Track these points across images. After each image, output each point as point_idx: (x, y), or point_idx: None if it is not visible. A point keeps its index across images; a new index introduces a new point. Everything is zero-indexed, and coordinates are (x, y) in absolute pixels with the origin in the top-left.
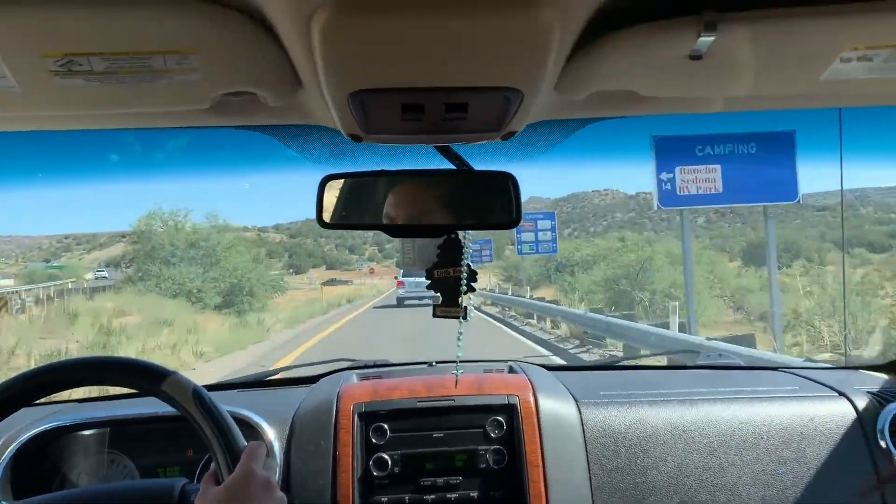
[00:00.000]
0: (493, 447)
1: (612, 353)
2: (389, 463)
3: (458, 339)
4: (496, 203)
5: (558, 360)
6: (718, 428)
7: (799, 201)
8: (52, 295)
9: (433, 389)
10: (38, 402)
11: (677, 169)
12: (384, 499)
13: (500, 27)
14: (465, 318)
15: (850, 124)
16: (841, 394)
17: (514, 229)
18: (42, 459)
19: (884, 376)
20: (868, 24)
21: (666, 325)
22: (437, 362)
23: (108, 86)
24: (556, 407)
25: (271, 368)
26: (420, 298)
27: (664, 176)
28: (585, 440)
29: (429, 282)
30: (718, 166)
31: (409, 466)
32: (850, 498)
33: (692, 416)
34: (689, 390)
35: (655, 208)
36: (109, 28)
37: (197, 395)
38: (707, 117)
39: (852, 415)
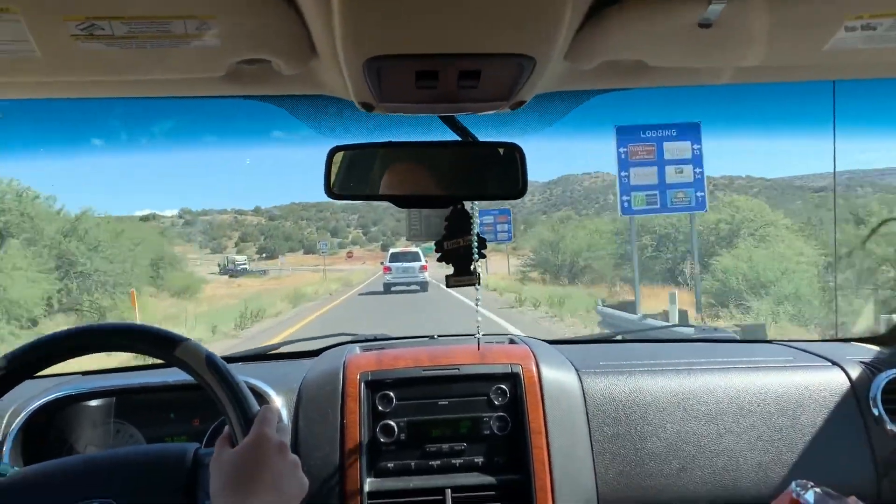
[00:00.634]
0: (496, 414)
1: None
2: (395, 430)
3: (476, 304)
4: (503, 174)
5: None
6: (716, 396)
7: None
8: None
9: (437, 359)
10: (43, 373)
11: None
12: (390, 464)
13: None
14: (478, 283)
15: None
16: (834, 363)
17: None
18: (49, 429)
19: (876, 347)
20: None
21: None
22: (438, 336)
23: (127, 51)
24: (557, 375)
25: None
26: (408, 284)
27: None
28: (587, 408)
29: (417, 266)
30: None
31: (415, 433)
32: (845, 463)
33: (690, 384)
34: (687, 361)
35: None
36: None
37: (210, 360)
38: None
39: (846, 383)
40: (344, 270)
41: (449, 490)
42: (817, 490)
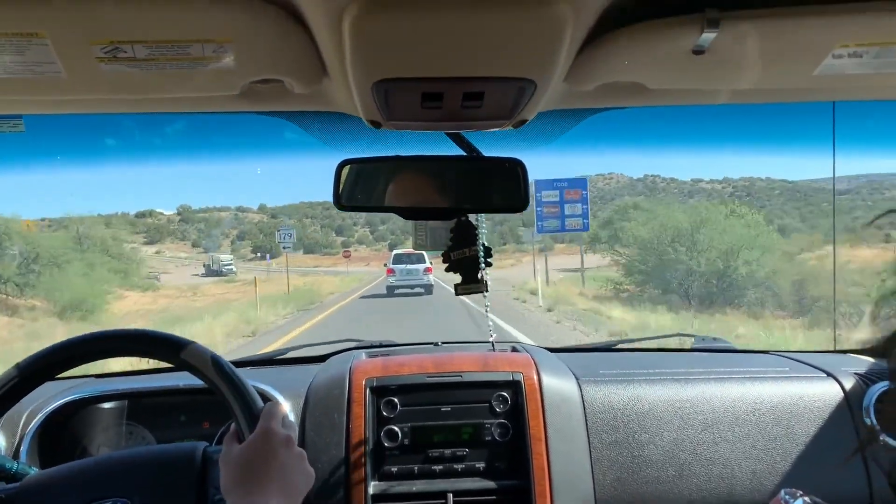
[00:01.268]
0: (498, 421)
1: None
2: (400, 435)
3: (486, 311)
4: (505, 187)
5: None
6: (712, 405)
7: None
8: None
9: (441, 366)
10: (57, 377)
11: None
12: (394, 468)
13: (517, 21)
14: (486, 291)
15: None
16: (829, 374)
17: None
18: (63, 431)
19: (870, 359)
20: (859, 23)
21: None
22: (442, 343)
23: (147, 72)
24: (558, 384)
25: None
26: (412, 287)
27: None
28: (586, 415)
29: (422, 268)
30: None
31: (419, 438)
32: (837, 473)
33: (687, 393)
34: (684, 370)
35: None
36: (154, 17)
37: (215, 361)
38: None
39: (839, 394)
40: (340, 273)
41: (451, 494)
42: (806, 498)
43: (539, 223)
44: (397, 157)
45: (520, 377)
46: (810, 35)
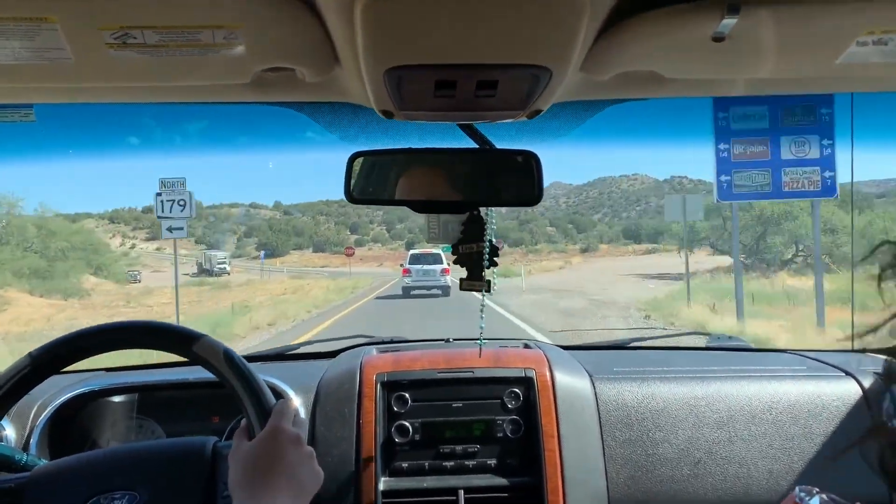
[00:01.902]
0: (510, 417)
1: None
2: (410, 430)
3: (481, 310)
4: (519, 181)
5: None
6: (728, 403)
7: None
8: None
9: (452, 361)
10: (67, 370)
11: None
12: (405, 464)
13: (534, 6)
14: (488, 290)
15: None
16: (848, 374)
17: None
18: (73, 424)
19: (891, 358)
20: (886, 8)
21: None
22: (454, 339)
23: (157, 59)
24: (571, 381)
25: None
26: (428, 288)
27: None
28: (599, 413)
29: (439, 269)
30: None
31: (429, 434)
32: (855, 473)
33: (702, 391)
34: (699, 368)
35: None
36: (164, 2)
37: (228, 356)
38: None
39: (858, 393)
40: (342, 275)
41: (462, 491)
42: (822, 496)
43: (724, 178)
44: (409, 150)
45: (532, 373)
46: (834, 21)
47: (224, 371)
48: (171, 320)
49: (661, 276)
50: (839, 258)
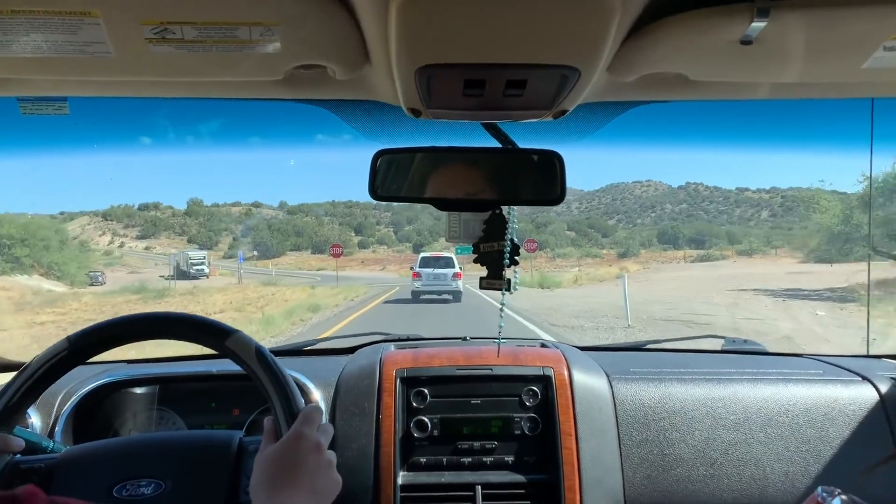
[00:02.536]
0: (527, 415)
1: None
2: (429, 426)
3: (501, 310)
4: (542, 180)
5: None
6: (744, 405)
7: None
8: None
9: (471, 358)
10: (91, 361)
11: None
12: (423, 459)
13: (565, 7)
14: (508, 289)
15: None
16: (865, 378)
17: None
18: (96, 414)
19: None
20: None
21: None
22: (471, 338)
23: (194, 54)
24: (588, 380)
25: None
26: (439, 293)
27: None
28: (616, 412)
29: (450, 273)
30: None
31: (448, 430)
32: (871, 477)
33: (719, 393)
34: (715, 370)
35: None
36: None
37: (259, 353)
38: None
39: (875, 398)
40: (330, 279)
41: (479, 487)
42: (843, 497)
43: None
44: (433, 148)
45: (550, 372)
46: (863, 24)
47: (255, 368)
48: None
49: (791, 293)
50: None
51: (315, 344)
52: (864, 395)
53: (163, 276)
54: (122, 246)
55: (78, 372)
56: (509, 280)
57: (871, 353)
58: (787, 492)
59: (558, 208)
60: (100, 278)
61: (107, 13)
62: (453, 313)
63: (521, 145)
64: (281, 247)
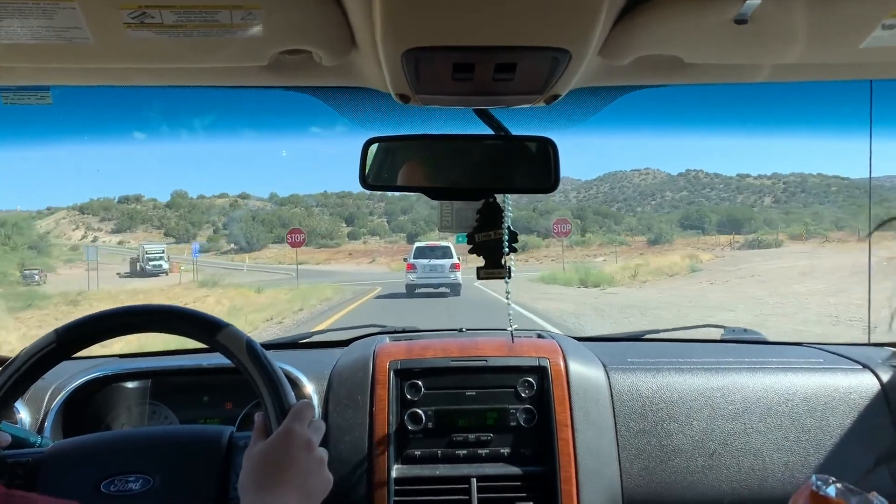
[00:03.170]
0: (523, 406)
1: None
2: (423, 418)
3: (507, 297)
4: (535, 168)
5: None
6: (743, 395)
7: None
8: None
9: (466, 350)
10: (80, 355)
11: None
12: (417, 452)
13: None
14: (509, 277)
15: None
16: (865, 366)
17: None
18: (86, 409)
19: None
20: None
21: None
22: (466, 329)
23: (174, 39)
24: (585, 371)
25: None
26: (436, 286)
27: None
28: (613, 403)
29: (448, 264)
30: None
31: (442, 422)
32: (872, 466)
33: (717, 383)
34: (714, 359)
35: None
36: None
37: (250, 347)
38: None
39: (876, 387)
40: (311, 275)
41: (474, 479)
42: (838, 485)
43: None
44: (424, 136)
45: (546, 363)
46: (860, 2)
47: (246, 362)
48: None
49: None
50: None
51: (310, 337)
52: (864, 384)
53: (119, 274)
54: (94, 241)
55: (68, 366)
56: (509, 268)
57: (873, 341)
58: (786, 482)
59: (557, 198)
60: (36, 277)
61: None
62: (453, 309)
63: (514, 132)
64: (263, 239)
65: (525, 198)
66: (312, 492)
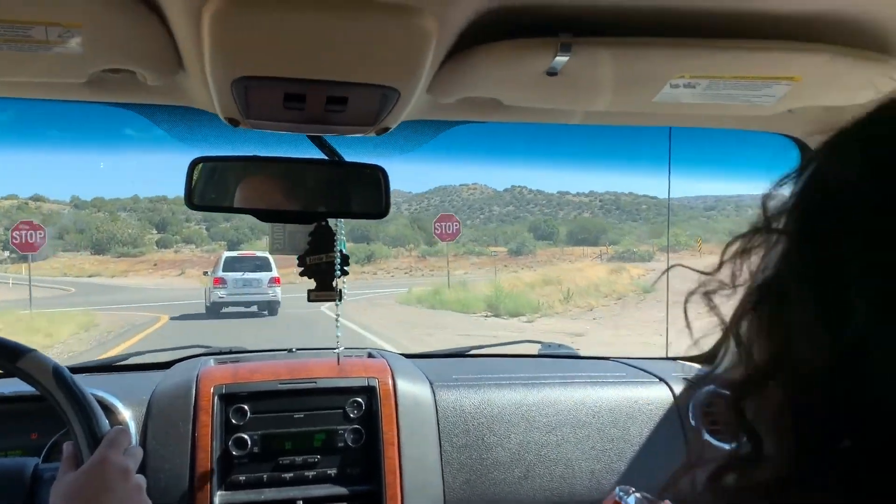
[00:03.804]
0: (351, 427)
1: None
2: (249, 443)
3: (337, 321)
4: (366, 194)
5: None
6: (556, 408)
7: None
8: None
9: (295, 372)
10: None
11: None
12: (242, 477)
13: (384, 29)
14: (339, 300)
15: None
16: (661, 380)
17: None
18: None
19: (698, 365)
20: (693, 57)
21: None
22: (297, 349)
23: None
24: (412, 389)
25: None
26: (248, 305)
27: None
28: (438, 420)
29: (266, 278)
30: None
31: (269, 446)
32: (667, 470)
33: (534, 397)
34: (531, 375)
35: None
36: None
37: (57, 373)
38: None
39: (670, 398)
40: (93, 290)
41: (300, 501)
42: (637, 495)
43: None
44: (255, 157)
45: (375, 382)
46: (652, 65)
47: (52, 390)
48: None
49: None
50: None
51: (126, 359)
52: (660, 396)
53: None
54: None
55: None
56: (340, 291)
57: (669, 355)
58: (592, 488)
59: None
60: None
61: None
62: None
63: (348, 158)
64: (50, 246)
65: (351, 222)
66: None
